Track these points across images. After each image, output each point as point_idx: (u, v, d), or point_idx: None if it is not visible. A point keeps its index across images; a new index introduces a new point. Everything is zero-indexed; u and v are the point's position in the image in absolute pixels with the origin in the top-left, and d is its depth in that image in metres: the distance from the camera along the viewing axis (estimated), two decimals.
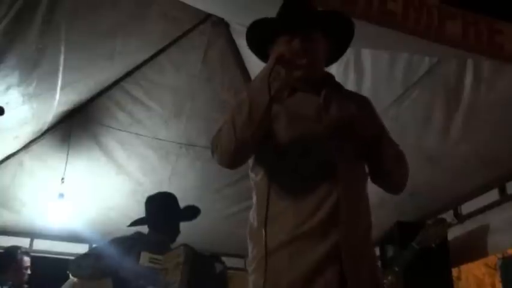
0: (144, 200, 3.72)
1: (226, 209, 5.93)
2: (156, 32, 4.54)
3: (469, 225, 4.54)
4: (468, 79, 3.59)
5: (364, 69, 4.03)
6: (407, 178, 1.98)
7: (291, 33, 1.89)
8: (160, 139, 5.41)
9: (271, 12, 2.00)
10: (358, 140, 1.85)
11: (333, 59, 2.08)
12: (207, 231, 5.92)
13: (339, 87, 2.03)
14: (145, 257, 3.22)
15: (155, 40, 4.68)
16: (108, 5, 3.77)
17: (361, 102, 2.01)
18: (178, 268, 3.06)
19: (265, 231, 1.72)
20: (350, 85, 3.89)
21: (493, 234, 4.31)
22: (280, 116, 1.83)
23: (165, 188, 4.41)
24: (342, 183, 1.76)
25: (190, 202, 3.93)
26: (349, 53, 2.92)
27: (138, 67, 4.95)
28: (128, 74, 4.99)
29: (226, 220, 5.92)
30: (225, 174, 5.67)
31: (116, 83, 5.03)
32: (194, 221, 5.47)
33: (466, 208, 4.63)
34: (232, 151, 1.76)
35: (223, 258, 6.10)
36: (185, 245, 3.22)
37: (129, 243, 3.38)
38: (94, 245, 5.55)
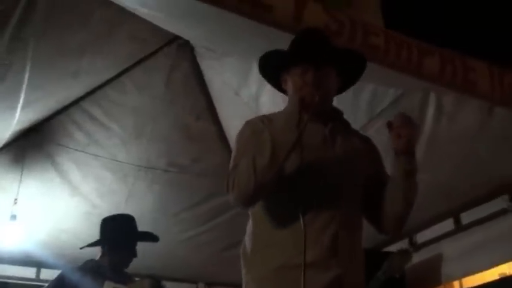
0: (98, 222, 3.61)
1: (183, 233, 5.83)
2: (123, 52, 4.47)
3: (424, 254, 4.66)
4: (430, 111, 3.72)
5: None
6: None
7: (305, 65, 1.91)
8: (118, 161, 5.30)
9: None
10: (361, 176, 1.91)
11: (341, 89, 2.10)
12: (162, 254, 5.80)
13: (346, 124, 2.06)
14: (108, 287, 3.14)
15: (121, 60, 4.60)
16: (79, 23, 3.71)
17: (367, 142, 2.08)
18: None
19: (304, 245, 1.67)
20: None
21: (446, 263, 4.44)
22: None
23: (121, 211, 4.32)
24: (343, 217, 1.80)
25: (147, 225, 3.88)
26: None
27: (100, 87, 4.84)
28: (89, 94, 4.87)
29: (182, 244, 5.83)
30: (183, 198, 5.63)
31: (75, 102, 4.90)
32: (149, 244, 5.39)
33: (421, 237, 4.75)
34: (251, 192, 1.73)
35: (176, 284, 6.06)
36: (151, 278, 3.16)
37: (82, 274, 3.26)
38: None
